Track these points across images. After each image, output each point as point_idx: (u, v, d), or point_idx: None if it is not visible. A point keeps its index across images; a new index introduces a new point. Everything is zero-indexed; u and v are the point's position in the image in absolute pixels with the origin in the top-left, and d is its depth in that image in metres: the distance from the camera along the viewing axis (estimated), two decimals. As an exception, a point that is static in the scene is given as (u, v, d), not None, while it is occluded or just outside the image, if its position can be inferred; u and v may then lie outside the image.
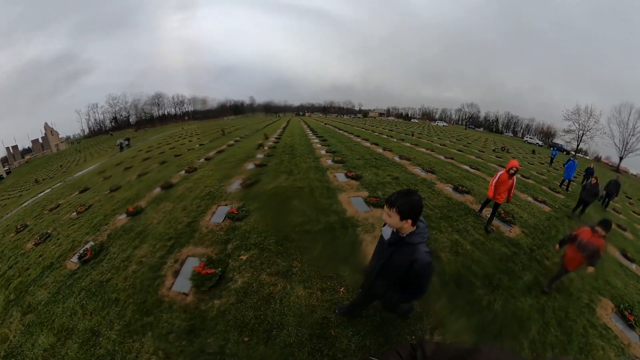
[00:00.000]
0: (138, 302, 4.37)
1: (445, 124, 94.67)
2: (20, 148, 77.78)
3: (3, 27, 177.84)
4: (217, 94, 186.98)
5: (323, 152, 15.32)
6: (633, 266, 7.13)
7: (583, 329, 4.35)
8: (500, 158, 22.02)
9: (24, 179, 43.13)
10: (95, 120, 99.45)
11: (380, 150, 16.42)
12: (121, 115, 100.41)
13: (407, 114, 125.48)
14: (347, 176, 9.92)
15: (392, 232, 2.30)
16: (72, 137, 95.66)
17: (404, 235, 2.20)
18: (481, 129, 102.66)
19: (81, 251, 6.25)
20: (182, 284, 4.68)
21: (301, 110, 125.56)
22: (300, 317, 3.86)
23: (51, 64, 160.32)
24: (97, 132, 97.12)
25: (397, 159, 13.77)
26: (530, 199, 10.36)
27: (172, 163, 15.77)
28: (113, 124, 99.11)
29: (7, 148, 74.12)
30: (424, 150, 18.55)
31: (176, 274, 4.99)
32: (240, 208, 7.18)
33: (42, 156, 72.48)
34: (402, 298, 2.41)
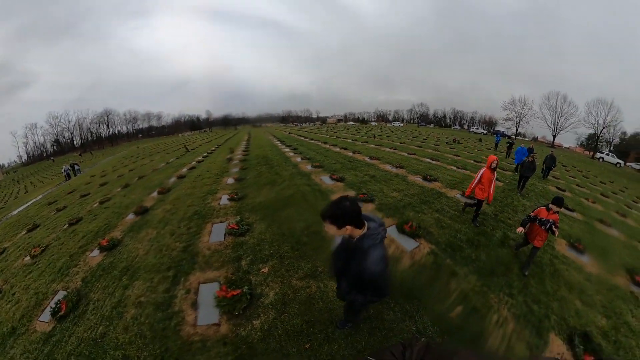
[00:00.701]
0: (158, 353, 3.57)
1: (400, 124, 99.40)
2: None
3: None
4: (170, 109, 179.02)
5: (299, 159, 15.50)
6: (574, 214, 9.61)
7: (549, 260, 5.84)
8: (454, 149, 23.82)
9: None
10: (35, 143, 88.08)
11: (350, 154, 17.12)
12: (64, 137, 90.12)
13: (364, 118, 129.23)
14: (332, 179, 10.33)
15: (343, 238, 2.25)
16: (7, 165, 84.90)
17: (355, 240, 2.09)
18: (432, 125, 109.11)
19: (52, 305, 4.96)
20: (208, 315, 4.06)
21: (258, 122, 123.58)
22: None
23: None
24: (37, 158, 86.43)
25: (368, 159, 14.56)
26: None
27: (137, 186, 14.20)
28: (55, 147, 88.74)
29: None
30: (388, 149, 19.51)
31: (195, 305, 4.32)
32: (239, 223, 6.75)
33: None
34: (364, 300, 2.31)
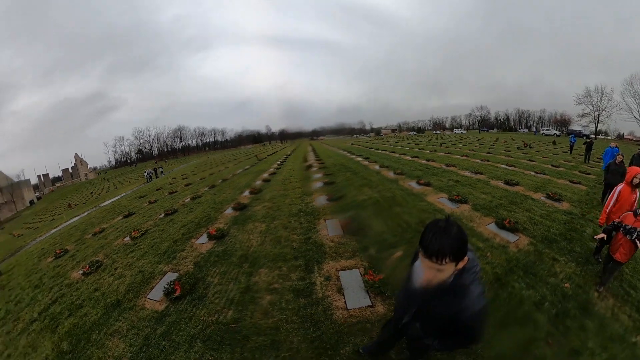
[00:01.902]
0: (314, 337, 3.34)
1: (463, 131, 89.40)
2: (51, 176, 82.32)
3: (46, 68, 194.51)
4: (233, 125, 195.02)
5: (377, 167, 15.39)
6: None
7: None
8: (527, 154, 21.49)
9: (54, 204, 43.78)
10: (122, 152, 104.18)
11: (424, 162, 16.60)
12: (145, 148, 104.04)
13: (420, 127, 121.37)
14: (419, 184, 10.08)
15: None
16: (99, 167, 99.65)
17: (452, 277, 1.47)
18: (494, 130, 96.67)
19: (165, 285, 4.82)
20: (357, 299, 3.98)
21: (315, 135, 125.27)
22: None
23: (84, 101, 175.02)
24: (122, 164, 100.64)
25: (444, 166, 14.16)
26: (567, 182, 10.78)
27: (224, 187, 14.59)
28: (138, 155, 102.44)
29: (39, 176, 77.68)
30: (459, 157, 18.71)
31: (340, 291, 4.22)
32: (353, 217, 6.88)
33: (72, 184, 75.42)
34: (445, 347, 1.80)
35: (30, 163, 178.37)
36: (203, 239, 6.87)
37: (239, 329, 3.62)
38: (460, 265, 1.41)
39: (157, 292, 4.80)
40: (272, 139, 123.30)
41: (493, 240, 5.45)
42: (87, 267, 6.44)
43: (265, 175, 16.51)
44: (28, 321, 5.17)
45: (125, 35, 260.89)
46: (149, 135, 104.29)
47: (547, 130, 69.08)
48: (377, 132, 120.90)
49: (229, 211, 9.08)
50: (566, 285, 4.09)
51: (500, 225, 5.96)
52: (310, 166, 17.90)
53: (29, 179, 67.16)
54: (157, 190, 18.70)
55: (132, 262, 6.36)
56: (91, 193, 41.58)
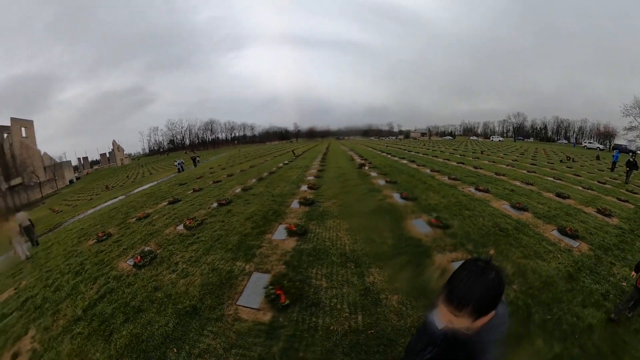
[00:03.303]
0: None
1: (501, 138, 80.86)
2: (89, 160, 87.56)
3: (91, 64, 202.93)
4: (261, 121, 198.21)
5: (428, 171, 15.09)
6: None
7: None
8: (571, 168, 20.66)
9: (92, 185, 45.49)
10: (155, 141, 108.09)
11: (472, 168, 16.19)
12: (177, 138, 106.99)
13: (451, 132, 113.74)
14: (478, 190, 9.89)
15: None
16: (133, 154, 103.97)
17: (468, 332, 1.13)
18: (530, 139, 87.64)
19: (262, 289, 4.10)
20: None
21: (341, 135, 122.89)
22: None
23: (123, 94, 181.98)
24: (155, 152, 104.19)
25: (494, 175, 13.92)
26: (614, 199, 10.42)
27: (274, 180, 13.79)
28: (170, 145, 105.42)
29: (79, 158, 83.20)
30: (504, 166, 18.31)
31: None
32: (437, 218, 6.70)
33: (108, 168, 79.19)
34: None
35: (72, 147, 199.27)
36: (280, 234, 6.23)
37: (380, 333, 3.27)
38: (479, 323, 1.08)
39: (251, 298, 4.01)
40: (299, 136, 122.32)
41: (559, 244, 5.63)
42: (139, 257, 5.32)
43: (313, 171, 15.83)
44: (71, 318, 4.23)
45: (163, 35, 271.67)
46: (182, 127, 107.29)
47: (589, 142, 62.98)
48: (406, 134, 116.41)
49: (295, 205, 8.48)
50: (623, 283, 4.42)
51: (563, 232, 6.13)
52: (362, 165, 16.78)
53: (70, 161, 69.86)
54: (197, 178, 17.98)
55: (196, 257, 5.45)
56: (127, 177, 42.24)
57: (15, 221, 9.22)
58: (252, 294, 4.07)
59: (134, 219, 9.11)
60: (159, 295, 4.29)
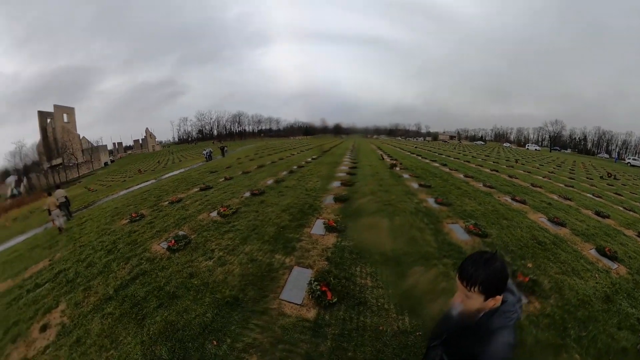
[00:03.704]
0: None
1: (538, 147, 76.12)
2: (124, 145, 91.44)
3: (128, 58, 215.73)
4: (286, 116, 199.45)
5: (461, 175, 14.57)
6: None
7: None
8: (612, 185, 19.70)
9: (125, 168, 47.55)
10: (184, 130, 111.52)
11: (507, 177, 15.54)
12: (205, 129, 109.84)
13: (482, 137, 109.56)
14: (514, 200, 9.54)
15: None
16: (164, 142, 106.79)
17: (483, 314, 1.37)
18: (568, 150, 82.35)
19: (306, 285, 3.84)
20: None
21: (367, 133, 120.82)
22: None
23: (156, 86, 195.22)
24: (183, 141, 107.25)
25: (531, 186, 13.21)
26: None
27: (304, 174, 13.44)
28: (198, 135, 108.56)
29: (114, 143, 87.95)
30: (540, 177, 17.58)
31: None
32: (476, 225, 6.38)
33: (141, 153, 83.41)
34: None
35: (108, 132, 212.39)
36: (318, 229, 5.98)
37: (427, 336, 3.10)
38: (491, 303, 1.33)
39: (293, 293, 3.81)
40: (325, 132, 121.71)
41: (597, 264, 5.37)
42: (173, 241, 5.08)
43: (344, 168, 15.44)
44: (102, 297, 4.07)
45: (196, 30, 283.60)
46: (210, 118, 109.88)
47: (633, 159, 56.72)
48: (434, 136, 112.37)
49: (329, 201, 8.18)
50: None
51: (602, 253, 5.87)
52: (393, 165, 16.23)
53: (106, 145, 75.20)
54: (227, 168, 17.98)
55: (233, 246, 5.21)
56: (158, 162, 43.49)
57: (54, 196, 10.01)
58: (295, 289, 3.85)
59: (167, 202, 9.06)
60: (195, 282, 4.03)
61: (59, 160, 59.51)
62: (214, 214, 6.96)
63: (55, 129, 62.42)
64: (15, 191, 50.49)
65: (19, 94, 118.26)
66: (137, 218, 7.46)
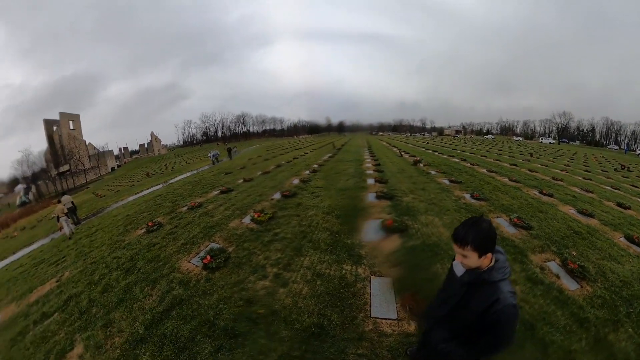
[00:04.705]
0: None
1: (552, 141, 72.19)
2: (129, 149, 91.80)
3: (131, 64, 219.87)
4: (290, 115, 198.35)
5: (485, 171, 14.07)
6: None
7: None
8: (627, 177, 19.53)
9: (132, 172, 46.86)
10: (189, 133, 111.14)
11: (527, 171, 15.20)
12: (209, 131, 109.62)
13: (488, 130, 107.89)
14: (542, 193, 9.43)
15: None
16: (168, 145, 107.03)
17: (483, 271, 1.61)
18: (577, 142, 79.82)
19: (393, 297, 3.36)
20: (570, 283, 4.15)
21: (372, 130, 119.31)
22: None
23: (160, 90, 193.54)
24: (188, 144, 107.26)
25: (552, 180, 13.11)
26: None
27: (328, 173, 12.57)
28: (203, 137, 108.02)
29: (120, 148, 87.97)
30: (558, 171, 17.26)
31: (558, 275, 4.26)
32: (519, 218, 6.26)
33: (147, 157, 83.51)
34: (468, 354, 1.71)
35: (114, 137, 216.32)
36: (375, 230, 5.40)
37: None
38: (486, 261, 1.57)
39: (383, 308, 3.28)
40: (330, 130, 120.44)
41: (628, 250, 5.41)
42: (209, 257, 4.07)
43: (369, 165, 14.56)
44: (131, 337, 3.14)
45: (198, 33, 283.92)
46: (215, 120, 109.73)
47: None
48: (440, 132, 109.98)
49: (372, 199, 7.50)
50: None
51: (630, 240, 5.96)
52: (417, 162, 15.33)
53: (112, 150, 74.62)
54: (241, 168, 16.93)
55: (287, 259, 4.33)
56: (165, 165, 42.69)
57: (62, 203, 10.15)
58: (383, 303, 3.40)
59: (185, 207, 8.04)
60: (260, 310, 3.05)
61: (66, 167, 59.30)
62: (247, 220, 5.98)
63: (61, 136, 62.57)
64: (24, 198, 50.30)
65: (26, 104, 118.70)
66: (155, 227, 6.46)
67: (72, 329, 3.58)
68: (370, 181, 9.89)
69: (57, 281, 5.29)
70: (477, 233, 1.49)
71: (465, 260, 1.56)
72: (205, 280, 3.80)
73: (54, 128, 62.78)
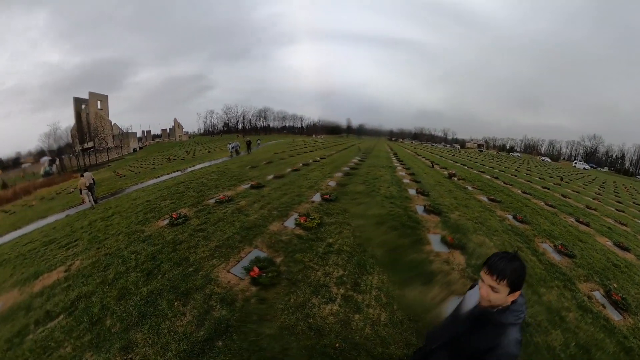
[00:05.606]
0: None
1: (587, 166, 67.79)
2: (152, 133, 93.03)
3: (163, 53, 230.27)
4: (310, 114, 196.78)
5: (519, 191, 13.63)
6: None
7: None
8: None
9: (153, 155, 47.57)
10: (210, 122, 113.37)
11: (560, 196, 14.83)
12: (231, 122, 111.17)
13: (511, 147, 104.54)
14: (579, 222, 9.15)
15: (478, 301, 1.57)
16: (189, 132, 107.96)
17: (494, 311, 1.46)
18: (605, 169, 75.46)
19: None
20: (614, 313, 4.33)
21: (392, 136, 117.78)
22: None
23: (187, 80, 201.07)
24: (208, 133, 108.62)
25: (585, 208, 12.91)
26: None
27: (362, 176, 11.95)
28: (224, 128, 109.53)
29: (143, 131, 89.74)
30: (590, 199, 16.87)
31: (604, 305, 4.34)
32: (564, 245, 6.22)
33: (168, 142, 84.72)
34: None
35: (138, 120, 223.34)
36: (437, 245, 5.02)
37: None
38: (511, 298, 1.43)
39: None
40: (349, 132, 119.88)
41: None
42: (257, 269, 3.16)
43: (402, 173, 13.99)
44: None
45: (227, 28, 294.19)
46: (237, 112, 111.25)
47: None
48: (462, 144, 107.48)
49: (421, 212, 6.92)
50: None
51: None
52: (452, 175, 14.53)
53: (135, 132, 76.36)
54: (266, 163, 16.04)
55: (353, 278, 3.62)
56: (186, 152, 42.44)
57: (85, 178, 11.07)
58: None
59: (213, 200, 7.26)
60: (335, 343, 2.20)
61: (90, 144, 60.87)
62: (290, 223, 5.15)
63: (89, 114, 64.90)
64: (48, 169, 51.80)
65: (62, 82, 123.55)
66: (180, 220, 5.67)
67: (80, 344, 2.82)
68: (412, 192, 9.19)
69: (65, 271, 4.58)
70: (515, 269, 1.38)
71: (493, 293, 1.42)
72: (257, 300, 2.97)
73: (83, 106, 65.05)
